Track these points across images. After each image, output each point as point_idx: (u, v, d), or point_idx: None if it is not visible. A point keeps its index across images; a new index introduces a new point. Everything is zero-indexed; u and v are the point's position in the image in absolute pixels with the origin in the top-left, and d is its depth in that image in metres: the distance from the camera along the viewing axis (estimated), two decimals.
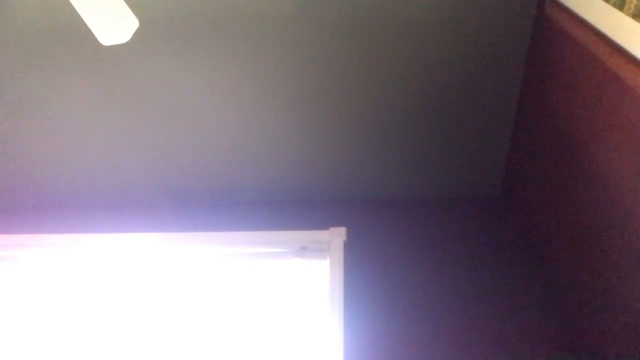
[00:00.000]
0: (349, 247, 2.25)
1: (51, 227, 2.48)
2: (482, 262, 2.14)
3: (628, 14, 1.30)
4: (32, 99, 2.24)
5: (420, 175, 2.45)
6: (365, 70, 2.12)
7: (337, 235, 2.24)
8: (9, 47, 2.10)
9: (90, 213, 2.55)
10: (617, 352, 1.52)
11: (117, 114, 2.28)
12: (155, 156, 2.42)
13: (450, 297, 2.00)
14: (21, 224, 2.51)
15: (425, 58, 2.07)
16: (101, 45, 2.07)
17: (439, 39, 2.02)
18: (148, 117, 2.29)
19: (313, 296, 2.09)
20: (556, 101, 1.84)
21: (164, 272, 2.23)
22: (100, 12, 1.26)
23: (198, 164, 2.44)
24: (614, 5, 1.37)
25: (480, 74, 2.11)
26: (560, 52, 1.77)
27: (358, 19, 1.99)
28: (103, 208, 2.57)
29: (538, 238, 2.10)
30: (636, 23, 1.27)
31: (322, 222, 2.38)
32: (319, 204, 2.52)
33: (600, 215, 1.57)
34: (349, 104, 2.22)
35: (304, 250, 2.23)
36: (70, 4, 1.96)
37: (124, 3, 1.31)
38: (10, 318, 2.12)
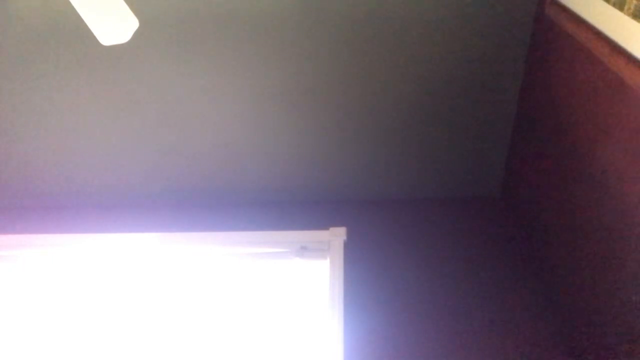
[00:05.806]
0: (349, 247, 2.25)
1: (51, 227, 2.48)
2: (482, 262, 2.14)
3: (628, 14, 1.31)
4: (32, 99, 2.24)
5: (420, 175, 2.45)
6: (365, 71, 2.12)
7: (337, 235, 2.24)
8: (8, 47, 2.10)
9: (90, 213, 2.55)
10: (617, 352, 1.52)
11: (117, 113, 2.28)
12: (155, 156, 2.42)
13: (449, 297, 2.00)
14: (21, 224, 2.51)
15: (425, 58, 2.07)
16: (101, 45, 2.07)
17: (439, 39, 2.02)
18: (148, 117, 2.29)
19: (313, 296, 2.09)
20: (556, 101, 1.84)
21: (164, 272, 2.23)
22: (100, 12, 1.26)
23: (198, 164, 2.44)
24: (614, 5, 1.37)
25: (480, 74, 2.11)
26: (560, 52, 1.77)
27: (358, 19, 1.99)
28: (103, 208, 2.57)
29: (538, 238, 2.10)
30: (636, 23, 1.27)
31: (322, 222, 2.38)
32: (319, 204, 2.52)
33: (601, 215, 1.57)
34: (349, 104, 2.22)
35: (304, 250, 2.23)
36: (70, 4, 1.96)
37: (124, 3, 1.31)
38: (10, 318, 2.12)
